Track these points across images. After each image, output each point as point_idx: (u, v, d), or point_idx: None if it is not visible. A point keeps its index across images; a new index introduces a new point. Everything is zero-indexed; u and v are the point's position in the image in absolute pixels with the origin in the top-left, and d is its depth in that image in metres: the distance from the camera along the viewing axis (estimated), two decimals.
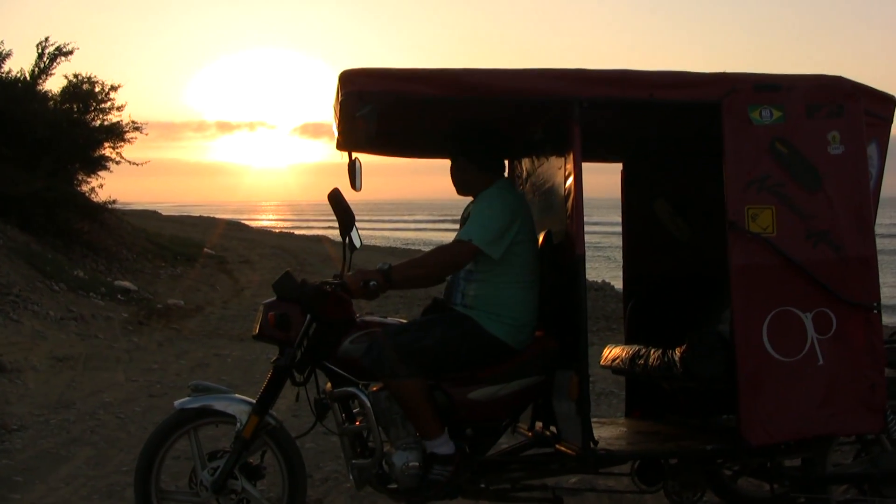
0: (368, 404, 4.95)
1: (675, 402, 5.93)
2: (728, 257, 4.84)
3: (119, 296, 17.19)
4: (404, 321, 5.28)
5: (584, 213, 4.80)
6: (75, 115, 21.09)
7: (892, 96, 5.25)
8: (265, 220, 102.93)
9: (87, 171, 21.49)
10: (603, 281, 24.36)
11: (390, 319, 5.29)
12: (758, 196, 4.81)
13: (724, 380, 5.01)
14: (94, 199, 21.64)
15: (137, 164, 21.89)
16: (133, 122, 21.69)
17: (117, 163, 21.53)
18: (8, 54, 20.75)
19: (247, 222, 62.12)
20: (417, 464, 4.92)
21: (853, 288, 4.82)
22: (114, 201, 22.29)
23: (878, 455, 5.14)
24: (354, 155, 5.52)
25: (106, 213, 22.20)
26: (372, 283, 4.86)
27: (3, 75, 20.67)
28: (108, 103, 21.46)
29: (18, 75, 20.78)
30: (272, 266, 25.20)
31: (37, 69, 20.78)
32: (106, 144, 21.50)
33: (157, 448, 5.08)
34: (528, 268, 5.12)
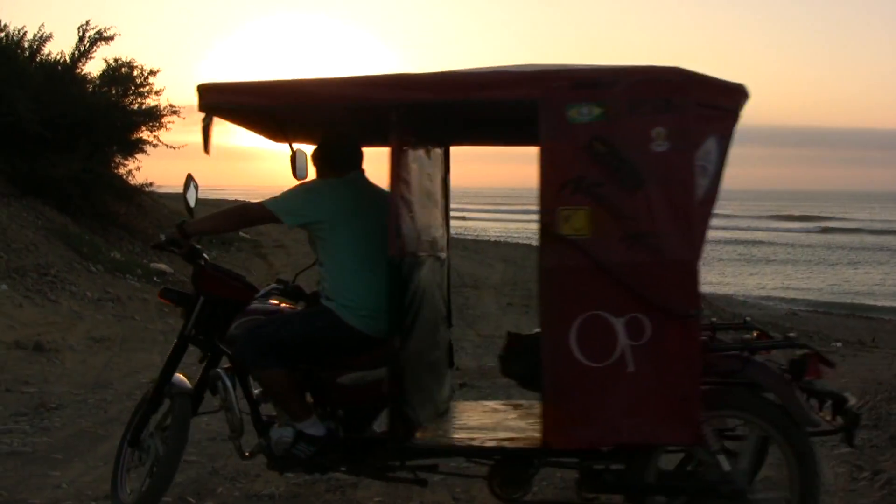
0: (228, 385, 5.43)
1: None
2: (538, 259, 4.72)
3: (155, 278, 17.31)
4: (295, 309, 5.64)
5: None
6: (113, 99, 21.18)
7: (739, 86, 4.80)
8: None
9: (124, 153, 21.60)
10: None
11: (283, 307, 5.60)
12: (572, 197, 4.61)
13: (534, 381, 4.90)
14: (131, 182, 21.77)
15: (175, 148, 21.99)
16: (171, 105, 21.79)
17: (154, 146, 21.64)
18: (48, 37, 20.91)
19: None
20: (290, 440, 5.27)
21: (670, 293, 4.57)
22: (150, 184, 22.42)
23: (698, 468, 4.99)
24: (296, 146, 5.94)
25: (142, 196, 22.33)
26: (162, 236, 5.55)
27: (44, 58, 20.82)
28: (147, 87, 21.56)
29: (58, 58, 20.93)
30: (306, 251, 25.02)
31: (77, 52, 20.91)
32: (143, 128, 21.60)
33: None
34: (375, 257, 5.22)
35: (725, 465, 4.80)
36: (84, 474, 6.64)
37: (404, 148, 5.04)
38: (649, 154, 4.58)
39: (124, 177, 21.69)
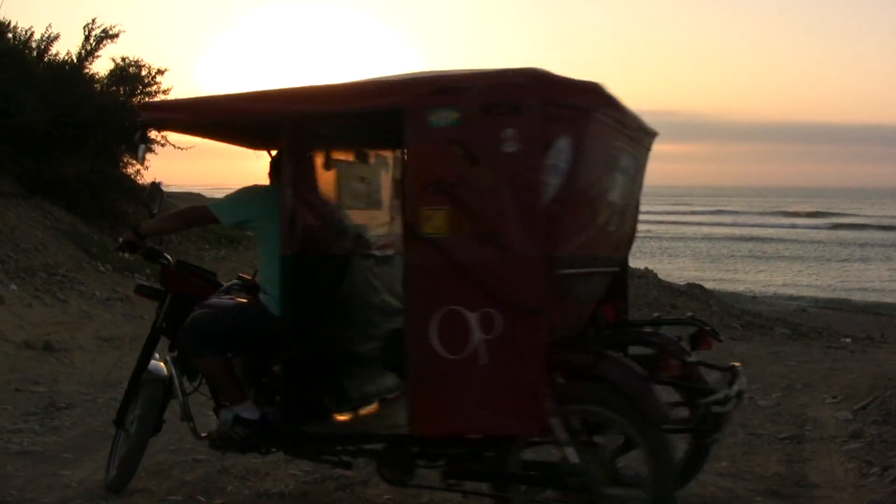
0: (174, 372, 6.02)
1: None
2: (403, 256, 5.01)
3: None
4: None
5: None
6: (121, 98, 21.19)
7: (593, 85, 4.87)
8: None
9: (132, 153, 21.62)
10: (646, 268, 24.26)
11: (236, 300, 5.95)
12: (433, 198, 4.83)
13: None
14: (140, 182, 21.77)
15: (183, 148, 21.99)
16: None
17: (162, 146, 21.62)
18: (55, 37, 20.93)
19: None
20: (230, 422, 5.70)
21: (517, 290, 4.73)
22: (159, 183, 22.41)
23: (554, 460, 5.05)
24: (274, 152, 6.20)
25: None
26: (120, 239, 6.23)
27: (51, 58, 20.84)
28: (154, 86, 21.57)
29: (66, 58, 20.95)
30: None
31: (83, 52, 20.92)
32: (152, 127, 21.60)
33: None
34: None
35: (574, 457, 4.86)
36: (94, 473, 6.65)
37: (307, 154, 5.66)
38: (500, 155, 4.73)
39: (133, 176, 21.70)
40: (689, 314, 5.93)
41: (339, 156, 6.03)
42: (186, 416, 5.98)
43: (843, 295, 29.90)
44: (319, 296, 5.61)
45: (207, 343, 5.67)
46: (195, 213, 6.17)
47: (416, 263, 4.92)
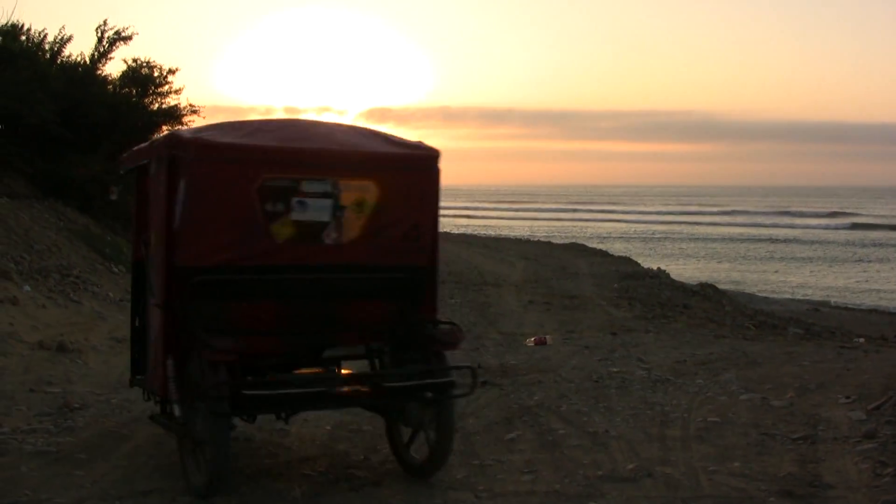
0: None
1: None
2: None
3: None
4: None
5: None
6: (134, 99, 21.25)
7: (199, 139, 6.30)
8: None
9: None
10: (658, 268, 24.25)
11: None
12: (150, 225, 6.79)
13: None
14: None
15: None
16: (191, 105, 21.82)
17: None
18: (68, 39, 21.00)
19: None
20: None
21: (156, 288, 6.53)
22: None
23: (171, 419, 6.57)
24: None
25: None
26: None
27: (64, 60, 20.90)
28: (166, 86, 21.61)
29: (79, 60, 21.02)
30: None
31: (96, 53, 20.98)
32: (164, 127, 21.64)
33: None
34: None
35: (178, 412, 6.34)
36: (108, 474, 6.67)
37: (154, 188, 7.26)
38: (159, 193, 6.48)
39: None
40: (448, 320, 6.67)
41: None
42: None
43: (856, 295, 29.81)
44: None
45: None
46: None
47: (147, 269, 6.85)
